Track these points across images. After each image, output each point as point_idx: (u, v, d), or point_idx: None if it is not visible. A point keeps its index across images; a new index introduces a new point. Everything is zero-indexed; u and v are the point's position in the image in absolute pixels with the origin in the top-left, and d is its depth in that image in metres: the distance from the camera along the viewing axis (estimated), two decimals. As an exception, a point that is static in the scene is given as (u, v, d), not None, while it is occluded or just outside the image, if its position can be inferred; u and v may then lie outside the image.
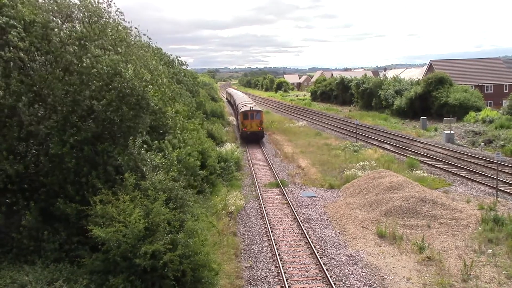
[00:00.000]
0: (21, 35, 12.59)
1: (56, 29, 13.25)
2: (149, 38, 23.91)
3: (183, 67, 37.91)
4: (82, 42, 13.55)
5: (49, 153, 12.76)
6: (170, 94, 19.20)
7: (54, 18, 13.79)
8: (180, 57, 37.22)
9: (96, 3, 15.40)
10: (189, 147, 18.68)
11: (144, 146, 14.28)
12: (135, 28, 18.40)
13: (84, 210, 12.16)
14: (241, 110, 45.70)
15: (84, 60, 13.07)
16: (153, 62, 17.69)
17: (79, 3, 14.94)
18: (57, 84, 13.12)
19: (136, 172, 13.38)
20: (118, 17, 16.54)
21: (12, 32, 12.40)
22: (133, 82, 13.65)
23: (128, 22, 17.42)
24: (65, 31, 13.29)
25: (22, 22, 12.90)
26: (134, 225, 11.46)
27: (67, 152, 12.71)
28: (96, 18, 15.01)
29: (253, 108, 45.14)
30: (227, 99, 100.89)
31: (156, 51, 31.48)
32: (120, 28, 16.23)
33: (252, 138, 44.08)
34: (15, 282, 10.58)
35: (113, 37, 15.21)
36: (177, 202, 13.54)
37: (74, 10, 14.66)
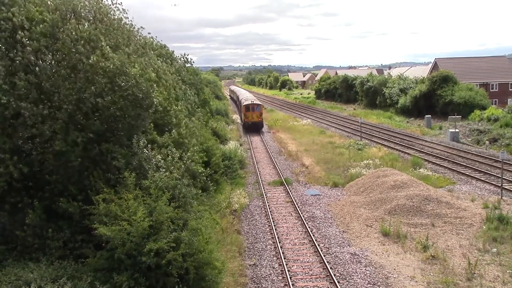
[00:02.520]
0: (30, 34, 12.59)
1: (64, 29, 13.22)
2: (149, 33, 23.96)
3: (187, 65, 37.80)
4: (92, 44, 13.52)
5: (54, 150, 12.73)
6: (175, 94, 19.18)
7: (61, 17, 13.76)
8: (187, 55, 37.09)
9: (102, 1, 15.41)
10: (196, 147, 18.59)
11: (148, 145, 14.27)
12: (142, 27, 18.42)
13: (87, 209, 12.20)
14: (244, 104, 52.33)
15: (92, 58, 13.06)
16: (158, 62, 17.68)
17: (85, 2, 14.92)
18: (63, 82, 13.12)
19: (138, 171, 13.38)
20: (122, 15, 16.54)
21: (20, 32, 12.41)
22: (137, 80, 13.63)
23: (131, 21, 17.43)
24: (72, 30, 13.24)
25: (33, 22, 12.90)
26: (139, 223, 11.49)
27: (72, 150, 12.71)
28: (101, 16, 15.00)
29: (254, 102, 52.21)
30: (230, 95, 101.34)
31: (161, 50, 31.43)
32: (126, 26, 16.23)
33: (253, 127, 50.84)
34: (19, 279, 10.64)
35: (118, 36, 15.19)
36: (179, 201, 13.54)
37: (80, 8, 14.62)
